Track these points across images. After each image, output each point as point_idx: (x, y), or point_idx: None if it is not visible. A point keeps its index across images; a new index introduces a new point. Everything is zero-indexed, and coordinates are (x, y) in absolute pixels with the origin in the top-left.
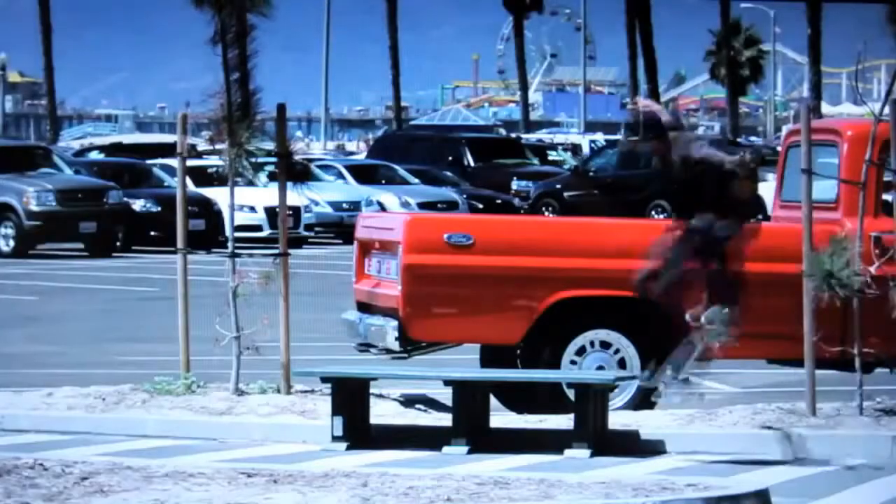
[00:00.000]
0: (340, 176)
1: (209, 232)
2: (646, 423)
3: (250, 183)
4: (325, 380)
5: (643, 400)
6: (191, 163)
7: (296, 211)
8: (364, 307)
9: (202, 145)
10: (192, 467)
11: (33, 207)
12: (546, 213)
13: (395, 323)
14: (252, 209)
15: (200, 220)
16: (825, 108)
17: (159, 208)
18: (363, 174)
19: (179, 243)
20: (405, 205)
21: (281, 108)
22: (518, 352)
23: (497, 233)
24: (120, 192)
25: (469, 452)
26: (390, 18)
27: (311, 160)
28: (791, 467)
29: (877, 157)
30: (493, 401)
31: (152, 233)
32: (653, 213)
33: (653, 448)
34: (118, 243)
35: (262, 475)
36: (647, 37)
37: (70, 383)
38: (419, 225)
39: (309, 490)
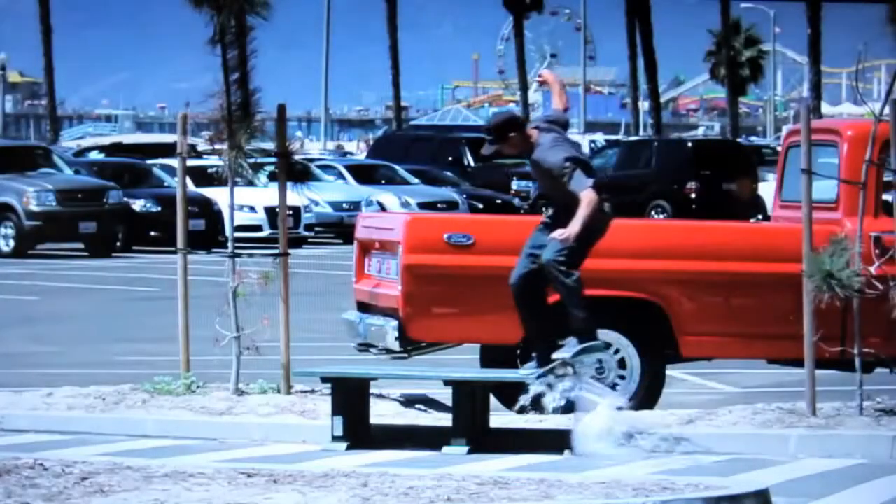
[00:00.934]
0: (340, 176)
1: (209, 232)
2: (646, 423)
3: (250, 183)
4: (325, 380)
5: (648, 400)
6: (191, 163)
7: (296, 211)
8: (364, 307)
9: (202, 145)
10: (192, 467)
11: (33, 207)
12: (546, 213)
13: (395, 323)
14: (252, 209)
15: (200, 220)
16: (825, 108)
17: (159, 208)
18: (363, 174)
19: (179, 243)
20: (405, 205)
21: (281, 108)
22: (518, 352)
23: (497, 233)
24: (120, 192)
25: (469, 452)
26: (390, 18)
27: (310, 160)
28: (791, 467)
29: (877, 157)
30: (493, 401)
31: (152, 233)
32: (653, 213)
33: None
34: (118, 243)
35: (262, 475)
36: (647, 37)
37: (70, 383)
38: (419, 225)
39: (309, 490)
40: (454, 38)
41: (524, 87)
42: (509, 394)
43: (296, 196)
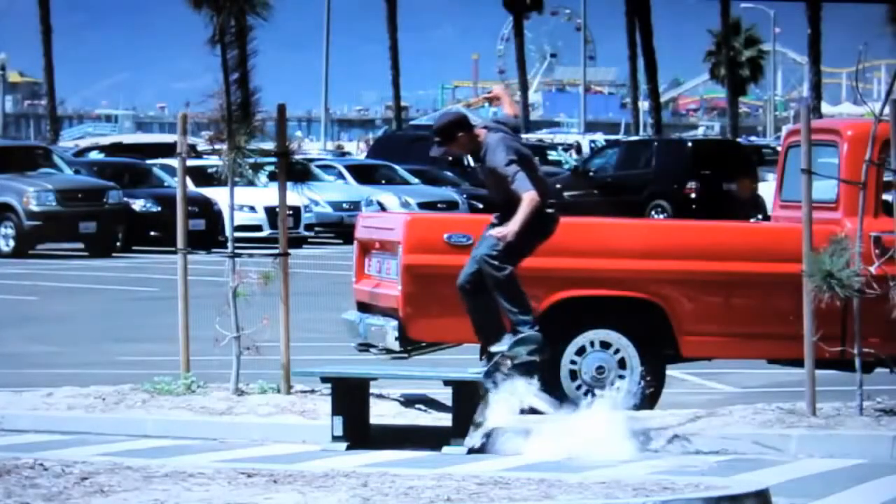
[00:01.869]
0: (340, 176)
1: (209, 232)
2: (647, 423)
3: (250, 183)
4: (325, 380)
5: (648, 400)
6: (191, 163)
7: (296, 211)
8: (364, 307)
9: (202, 145)
10: (192, 467)
11: (33, 207)
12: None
13: (395, 323)
14: (252, 209)
15: (200, 220)
16: (825, 108)
17: (159, 208)
18: (363, 174)
19: (179, 243)
20: (405, 205)
21: (281, 109)
22: None
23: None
24: (120, 192)
25: (469, 452)
26: (390, 18)
27: (310, 160)
28: (791, 467)
29: (877, 157)
30: None
31: (152, 233)
32: (653, 213)
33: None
34: (118, 243)
35: (262, 475)
36: (647, 37)
37: (70, 383)
38: (419, 225)
39: (309, 490)
40: (454, 38)
41: (524, 87)
42: None
43: (296, 196)
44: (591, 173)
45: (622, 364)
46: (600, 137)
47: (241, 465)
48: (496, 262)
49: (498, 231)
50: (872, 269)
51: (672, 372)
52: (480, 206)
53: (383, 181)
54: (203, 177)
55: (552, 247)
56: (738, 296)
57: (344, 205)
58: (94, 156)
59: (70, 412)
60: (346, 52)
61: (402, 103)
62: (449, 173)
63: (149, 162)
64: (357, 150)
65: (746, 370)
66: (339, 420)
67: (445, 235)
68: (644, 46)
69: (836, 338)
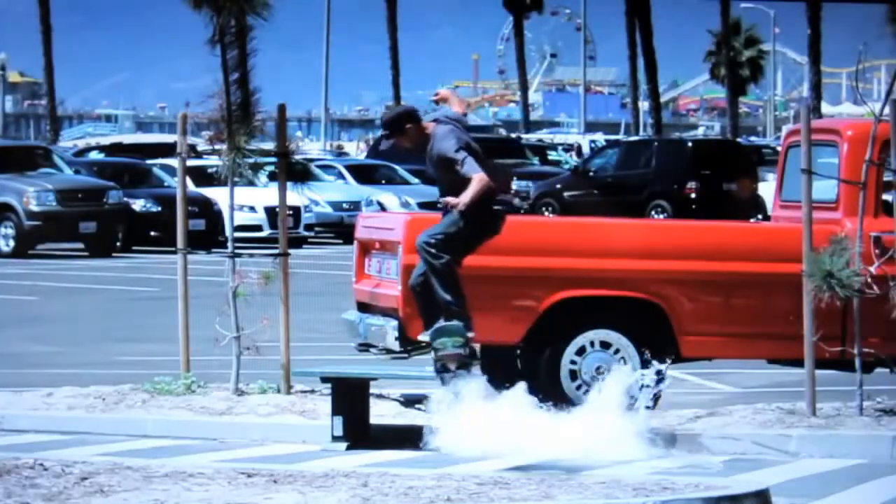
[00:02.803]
0: (340, 176)
1: (209, 232)
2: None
3: (250, 183)
4: (325, 380)
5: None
6: (191, 163)
7: (296, 211)
8: (364, 307)
9: (202, 145)
10: (192, 467)
11: (33, 207)
12: (546, 213)
13: (395, 323)
14: (252, 209)
15: (200, 220)
16: (825, 108)
17: (159, 208)
18: (363, 174)
19: (179, 243)
20: (405, 205)
21: (281, 109)
22: (518, 352)
23: None
24: (120, 192)
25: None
26: (390, 18)
27: (310, 160)
28: (791, 467)
29: (877, 157)
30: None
31: (152, 233)
32: (653, 213)
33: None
34: (118, 243)
35: (262, 475)
36: (647, 37)
37: (70, 383)
38: (419, 225)
39: (309, 490)
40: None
41: (524, 87)
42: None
43: (296, 196)
44: (591, 173)
45: (622, 364)
46: (600, 137)
47: (241, 465)
48: (433, 250)
49: (453, 200)
50: (872, 269)
51: (672, 372)
52: None
53: (383, 181)
54: (203, 177)
55: (552, 247)
56: (738, 296)
57: (344, 205)
58: (94, 156)
59: (70, 412)
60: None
61: (402, 103)
62: None
63: (149, 162)
64: (357, 150)
65: (746, 370)
66: (339, 420)
67: None
68: (644, 46)
69: (836, 338)
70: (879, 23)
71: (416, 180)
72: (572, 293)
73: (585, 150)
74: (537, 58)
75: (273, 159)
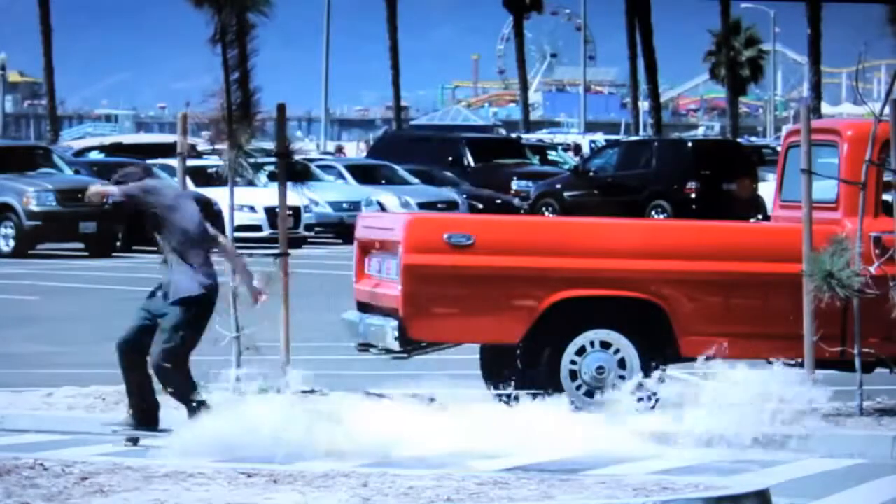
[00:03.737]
0: (340, 176)
1: None
2: (646, 425)
3: (250, 183)
4: None
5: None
6: (191, 163)
7: (296, 211)
8: (364, 307)
9: (202, 145)
10: (192, 467)
11: (33, 207)
12: (546, 213)
13: (395, 323)
14: (252, 209)
15: None
16: (825, 108)
17: None
18: (363, 174)
19: None
20: (405, 205)
21: (281, 108)
22: (518, 352)
23: (497, 233)
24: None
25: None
26: (390, 18)
27: (310, 160)
28: (791, 467)
29: (877, 157)
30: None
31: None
32: (653, 213)
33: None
34: (118, 243)
35: (262, 475)
36: (647, 37)
37: (70, 383)
38: (419, 225)
39: (309, 490)
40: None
41: (524, 87)
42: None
43: (296, 196)
44: (591, 173)
45: (622, 364)
46: (600, 137)
47: (241, 465)
48: (168, 368)
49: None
50: (872, 270)
51: (672, 372)
52: (480, 206)
53: (383, 181)
54: (203, 177)
55: (552, 247)
56: (738, 296)
57: (344, 205)
58: (94, 156)
59: (70, 412)
60: (346, 52)
61: (402, 103)
62: (449, 173)
63: (149, 162)
64: (357, 150)
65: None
66: None
67: (445, 235)
68: (644, 46)
69: (836, 338)
70: (879, 23)
71: (416, 180)
72: (572, 293)
73: (585, 150)
74: (537, 58)
75: (273, 159)
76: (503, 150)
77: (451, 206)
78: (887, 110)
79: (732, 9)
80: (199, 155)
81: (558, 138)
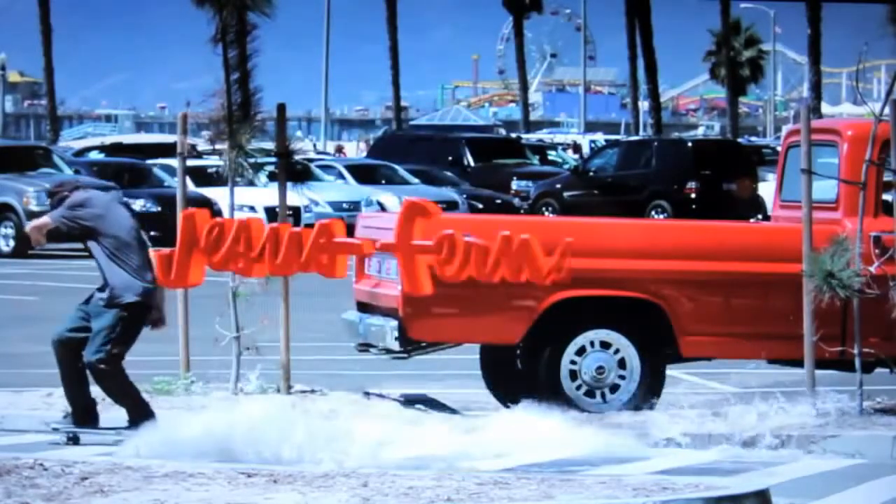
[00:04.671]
0: (340, 176)
1: None
2: (647, 423)
3: (250, 183)
4: None
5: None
6: (191, 163)
7: (296, 211)
8: (364, 307)
9: (202, 145)
10: (192, 467)
11: (33, 207)
12: (546, 213)
13: (395, 323)
14: (252, 209)
15: None
16: (825, 108)
17: (159, 208)
18: (363, 174)
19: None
20: None
21: (281, 108)
22: (518, 352)
23: (497, 233)
24: (120, 192)
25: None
26: (390, 19)
27: (310, 160)
28: (791, 467)
29: (877, 157)
30: (494, 401)
31: (152, 233)
32: (653, 213)
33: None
34: None
35: (262, 475)
36: (647, 37)
37: None
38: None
39: (309, 490)
40: (454, 38)
41: (524, 87)
42: (505, 387)
43: (296, 196)
44: (591, 173)
45: (622, 364)
46: (600, 137)
47: (241, 465)
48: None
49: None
50: (872, 269)
51: (672, 372)
52: (480, 206)
53: (383, 181)
54: (203, 177)
55: (552, 246)
56: (738, 296)
57: (344, 205)
58: (94, 156)
59: None
60: (346, 52)
61: (402, 103)
62: (449, 173)
63: (149, 162)
64: (357, 151)
65: (746, 370)
66: None
67: None
68: (644, 46)
69: (836, 338)
70: (879, 23)
71: (416, 180)
72: (572, 293)
73: (585, 150)
74: (537, 58)
75: (273, 159)
76: (503, 150)
77: (451, 206)
78: (887, 110)
79: (732, 9)
80: (200, 155)
81: (558, 138)
